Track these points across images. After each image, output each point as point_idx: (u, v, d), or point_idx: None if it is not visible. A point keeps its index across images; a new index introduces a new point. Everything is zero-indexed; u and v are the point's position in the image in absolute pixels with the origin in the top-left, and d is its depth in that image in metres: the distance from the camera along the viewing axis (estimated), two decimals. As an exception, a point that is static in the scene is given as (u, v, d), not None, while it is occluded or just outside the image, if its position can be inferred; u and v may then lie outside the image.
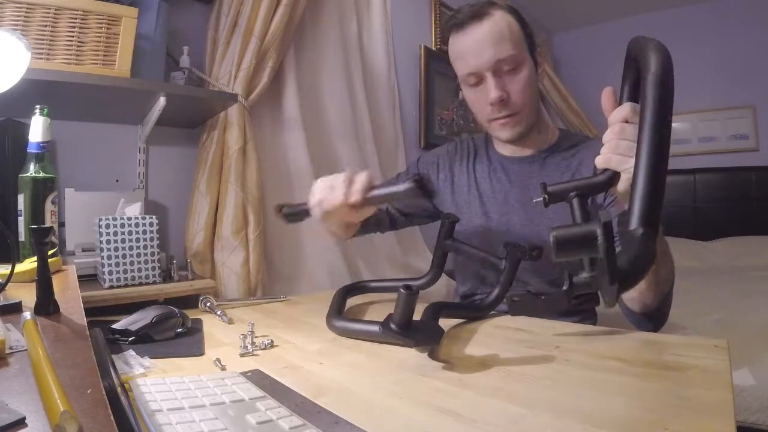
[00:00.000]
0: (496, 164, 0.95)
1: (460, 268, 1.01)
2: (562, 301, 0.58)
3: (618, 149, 0.55)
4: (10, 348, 0.39)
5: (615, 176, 0.56)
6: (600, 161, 0.58)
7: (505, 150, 0.95)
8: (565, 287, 0.57)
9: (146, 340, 0.64)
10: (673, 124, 0.52)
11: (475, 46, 0.83)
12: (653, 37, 0.48)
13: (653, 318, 0.71)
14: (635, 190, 0.37)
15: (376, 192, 0.64)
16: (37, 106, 0.81)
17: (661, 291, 0.68)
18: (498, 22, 0.83)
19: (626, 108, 0.56)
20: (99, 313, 0.78)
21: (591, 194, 0.60)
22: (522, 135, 0.88)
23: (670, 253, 0.68)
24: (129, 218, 0.88)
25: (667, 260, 0.68)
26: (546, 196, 0.59)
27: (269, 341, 0.63)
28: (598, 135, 0.82)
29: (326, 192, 0.66)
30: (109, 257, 0.85)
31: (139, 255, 0.88)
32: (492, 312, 0.79)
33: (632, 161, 0.53)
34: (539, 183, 0.85)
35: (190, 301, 0.90)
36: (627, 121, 0.55)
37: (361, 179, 0.64)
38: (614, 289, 0.34)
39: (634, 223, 0.36)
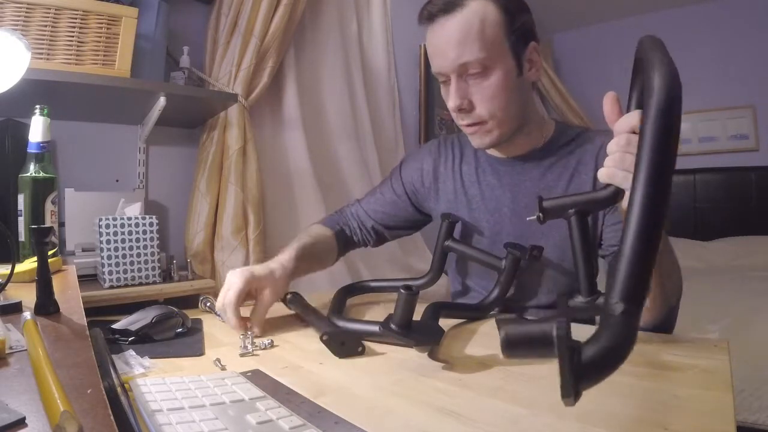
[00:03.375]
0: (485, 165, 0.87)
1: (452, 267, 0.96)
2: None
3: (624, 163, 0.49)
4: (10, 348, 0.39)
5: (619, 192, 0.51)
6: (603, 175, 0.52)
7: (493, 150, 0.86)
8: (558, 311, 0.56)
9: (146, 340, 0.64)
10: None
11: (440, 44, 0.74)
12: (660, 44, 0.41)
13: (657, 331, 0.67)
14: (622, 251, 0.31)
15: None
16: (37, 106, 0.81)
17: (667, 305, 0.64)
18: (469, 16, 0.71)
19: (634, 117, 0.50)
20: (99, 313, 0.78)
21: (591, 211, 0.55)
22: (495, 144, 0.79)
23: (677, 263, 0.64)
24: (129, 218, 0.88)
25: (674, 272, 0.63)
26: (541, 214, 0.55)
27: (269, 341, 0.63)
28: (606, 129, 0.78)
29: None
30: (109, 257, 0.85)
31: (139, 255, 0.88)
32: (492, 312, 0.79)
33: None
34: (533, 187, 0.83)
35: (190, 301, 0.90)
36: (635, 132, 0.49)
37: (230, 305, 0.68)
38: (573, 392, 0.29)
39: (615, 295, 0.30)
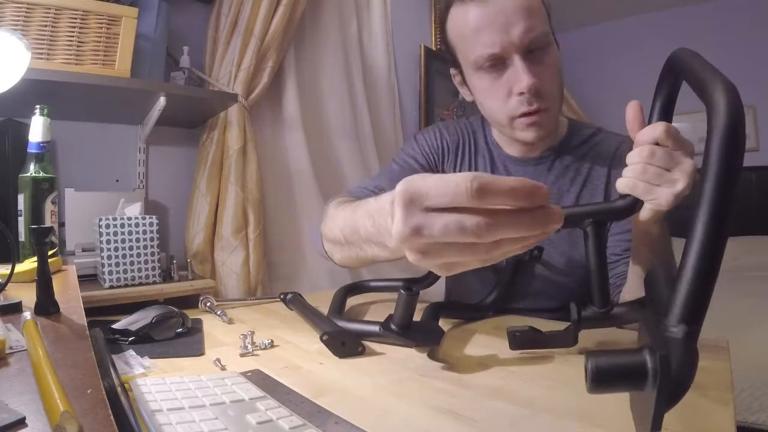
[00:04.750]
0: (498, 162, 0.84)
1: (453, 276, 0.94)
2: (568, 338, 0.55)
3: (645, 175, 0.49)
4: (10, 348, 0.39)
5: (637, 203, 0.51)
6: (623, 186, 0.51)
7: (509, 147, 0.83)
8: (572, 323, 0.54)
9: (146, 340, 0.64)
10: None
11: (501, 17, 0.65)
12: (705, 60, 0.40)
13: None
14: (682, 272, 0.29)
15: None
16: (37, 106, 0.81)
17: None
18: None
19: (659, 128, 0.48)
20: (99, 313, 0.78)
21: (609, 221, 0.54)
22: (548, 135, 0.75)
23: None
24: (129, 218, 0.88)
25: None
26: None
27: (269, 341, 0.63)
28: (618, 133, 0.73)
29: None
30: (109, 257, 0.85)
31: (139, 255, 0.88)
32: (492, 312, 0.79)
33: (659, 190, 0.48)
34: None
35: (190, 301, 0.90)
36: (658, 144, 0.48)
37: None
38: (661, 421, 0.27)
39: (675, 318, 0.28)
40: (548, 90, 0.68)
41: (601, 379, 0.28)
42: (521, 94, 0.67)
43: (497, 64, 0.68)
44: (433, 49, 2.19)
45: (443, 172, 0.87)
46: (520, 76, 0.66)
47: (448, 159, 0.87)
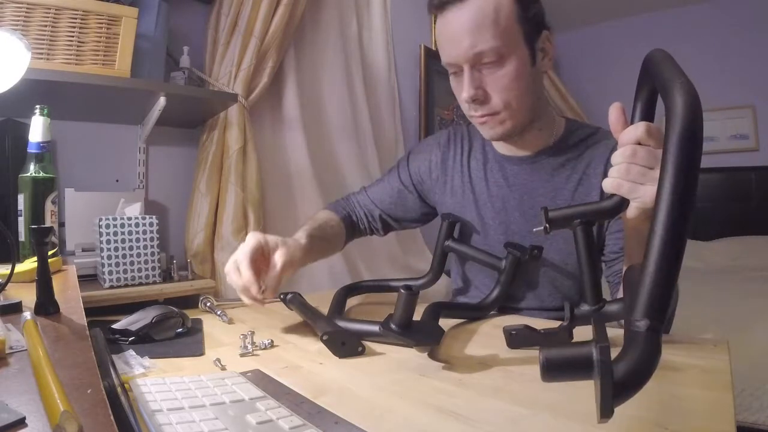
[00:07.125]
0: (493, 162, 0.86)
1: (454, 265, 0.96)
2: (563, 335, 0.56)
3: (629, 175, 0.50)
4: (10, 348, 0.39)
5: (624, 202, 0.52)
6: (608, 185, 0.52)
7: (502, 147, 0.85)
8: (565, 321, 0.56)
9: (146, 340, 0.64)
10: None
11: (453, 33, 0.72)
12: (674, 60, 0.40)
13: None
14: (645, 269, 0.31)
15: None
16: (37, 106, 0.81)
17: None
18: (483, 4, 0.70)
19: (640, 128, 0.50)
20: (99, 313, 0.78)
21: (597, 221, 0.56)
22: (508, 136, 0.78)
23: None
24: (129, 218, 0.88)
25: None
26: (547, 224, 0.56)
27: (269, 341, 0.63)
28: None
29: (240, 287, 0.65)
30: (109, 257, 0.85)
31: (139, 255, 0.88)
32: (492, 312, 0.79)
33: (644, 189, 0.49)
34: (541, 189, 0.83)
35: (190, 301, 0.90)
36: (640, 143, 0.50)
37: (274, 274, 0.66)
38: (611, 412, 0.30)
39: (639, 313, 0.30)
40: (494, 100, 0.74)
41: (552, 370, 0.31)
42: (465, 101, 0.75)
43: (457, 71, 0.76)
44: (433, 49, 2.19)
45: (433, 182, 0.93)
46: (463, 86, 0.74)
47: (436, 171, 0.92)
